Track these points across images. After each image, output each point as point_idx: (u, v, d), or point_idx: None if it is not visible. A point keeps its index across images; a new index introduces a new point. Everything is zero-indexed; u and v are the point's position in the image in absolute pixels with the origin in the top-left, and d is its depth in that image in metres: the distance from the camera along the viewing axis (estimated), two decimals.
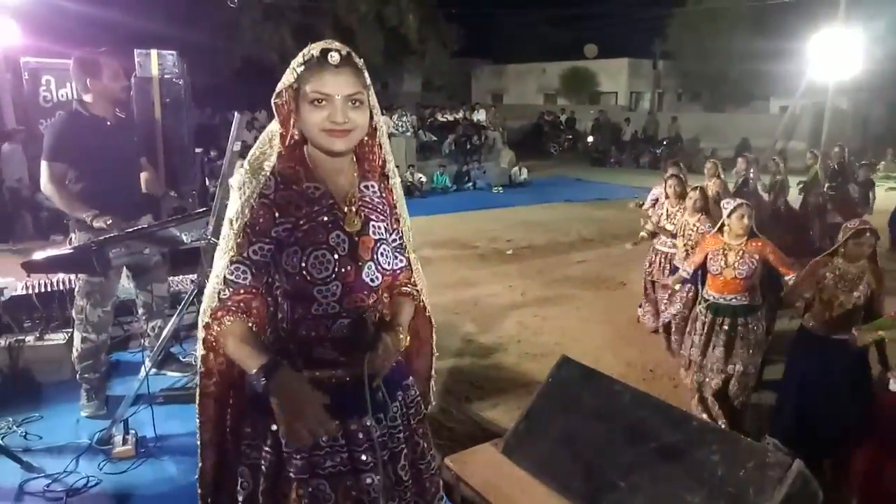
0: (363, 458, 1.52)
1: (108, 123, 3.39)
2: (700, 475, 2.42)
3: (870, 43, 15.62)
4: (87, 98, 3.35)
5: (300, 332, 1.49)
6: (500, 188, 14.21)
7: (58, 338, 3.99)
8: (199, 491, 1.66)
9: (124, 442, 3.12)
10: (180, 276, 4.66)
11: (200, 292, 3.40)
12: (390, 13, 18.17)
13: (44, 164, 3.25)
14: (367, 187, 1.58)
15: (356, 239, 1.49)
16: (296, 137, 1.50)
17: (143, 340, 3.92)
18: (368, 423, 1.52)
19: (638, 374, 4.42)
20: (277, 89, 1.44)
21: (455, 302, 5.96)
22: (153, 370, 3.53)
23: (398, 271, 1.60)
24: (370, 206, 1.56)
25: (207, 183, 9.30)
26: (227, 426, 1.64)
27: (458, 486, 2.83)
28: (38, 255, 3.23)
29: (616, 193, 12.46)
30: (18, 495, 2.82)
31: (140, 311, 3.89)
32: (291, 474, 1.48)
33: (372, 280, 1.51)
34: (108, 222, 3.14)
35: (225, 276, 1.46)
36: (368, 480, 1.52)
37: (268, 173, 1.47)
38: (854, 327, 2.94)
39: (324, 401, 1.39)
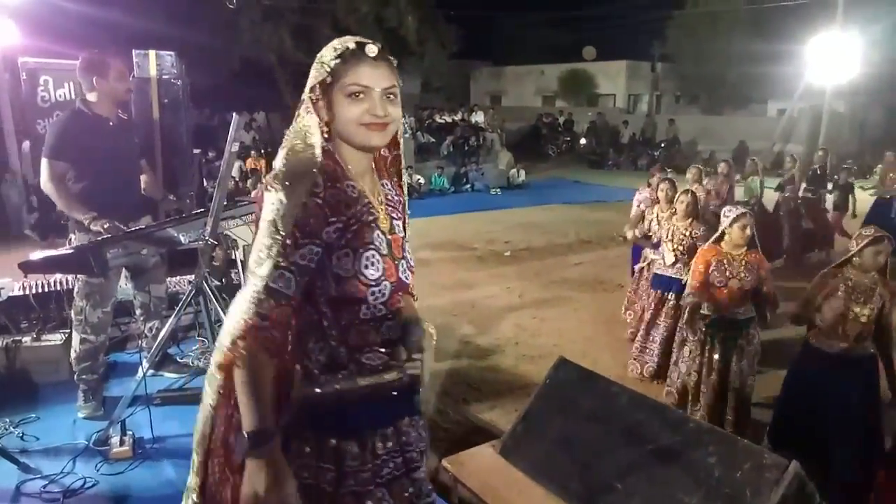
0: (413, 455, 1.53)
1: (111, 124, 3.40)
2: (697, 476, 2.43)
3: (867, 46, 15.68)
4: (91, 97, 3.35)
5: (351, 340, 1.43)
6: (499, 190, 14.23)
7: (55, 338, 3.99)
8: None
9: (121, 443, 3.12)
10: (178, 277, 4.65)
11: (198, 293, 3.41)
12: (389, 14, 18.17)
13: (44, 162, 3.25)
14: (384, 185, 1.57)
15: (389, 237, 1.48)
16: (326, 135, 1.44)
17: (140, 341, 3.93)
18: (421, 422, 1.56)
19: (635, 376, 4.42)
20: (310, 84, 1.39)
21: (453, 304, 5.97)
22: (150, 371, 3.53)
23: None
24: (391, 204, 1.55)
25: (205, 184, 9.28)
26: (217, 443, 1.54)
27: (455, 488, 2.83)
28: (36, 256, 3.22)
29: (614, 195, 12.48)
30: (15, 496, 2.82)
31: (138, 311, 3.89)
32: (354, 489, 1.45)
33: (406, 278, 1.51)
34: (106, 226, 3.14)
35: (268, 285, 1.31)
36: (419, 476, 1.54)
37: (315, 170, 1.35)
38: None
39: (292, 490, 1.36)
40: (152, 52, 4.52)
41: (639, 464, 2.58)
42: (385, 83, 1.38)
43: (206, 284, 3.40)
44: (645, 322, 4.48)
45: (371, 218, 1.44)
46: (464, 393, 4.17)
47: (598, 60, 27.55)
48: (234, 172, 11.35)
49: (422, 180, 13.45)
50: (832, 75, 15.76)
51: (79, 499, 2.82)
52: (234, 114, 3.17)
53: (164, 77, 4.55)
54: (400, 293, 1.49)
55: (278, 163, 1.38)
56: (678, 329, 4.01)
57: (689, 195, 4.35)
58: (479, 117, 18.11)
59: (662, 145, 18.95)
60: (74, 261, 3.02)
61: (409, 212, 1.69)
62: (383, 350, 1.47)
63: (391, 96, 1.40)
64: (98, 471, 3.00)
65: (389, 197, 1.56)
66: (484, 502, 2.69)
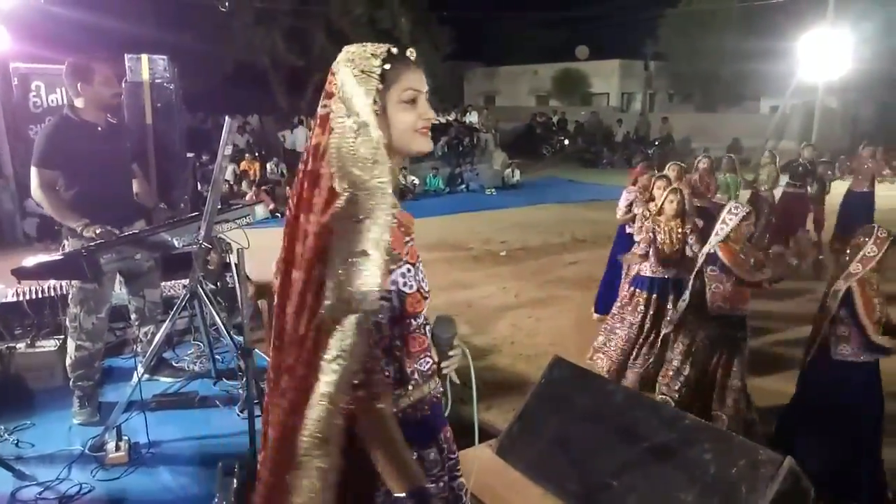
0: (454, 458, 1.56)
1: (100, 129, 3.37)
2: (693, 474, 2.44)
3: (858, 43, 15.80)
4: (79, 103, 3.33)
5: (412, 349, 1.41)
6: (493, 190, 14.23)
7: (49, 344, 3.97)
8: None
9: (117, 449, 3.11)
10: (173, 282, 4.64)
11: (192, 297, 3.40)
12: (383, 16, 18.18)
13: (34, 171, 3.23)
14: None
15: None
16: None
17: (135, 346, 3.91)
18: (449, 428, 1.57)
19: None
20: (365, 98, 1.25)
21: (448, 304, 5.96)
22: (146, 376, 3.52)
23: None
24: None
25: (200, 187, 9.27)
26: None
27: None
28: (29, 262, 3.21)
29: (608, 194, 12.43)
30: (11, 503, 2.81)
31: (132, 316, 3.88)
32: (442, 496, 1.48)
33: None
34: (98, 231, 3.13)
35: (370, 319, 1.23)
36: (460, 481, 1.55)
37: (387, 189, 1.26)
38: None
39: None
40: (144, 57, 4.52)
41: (635, 462, 2.59)
42: (426, 86, 1.36)
43: (200, 288, 3.39)
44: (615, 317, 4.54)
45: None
46: (460, 393, 4.15)
47: (591, 60, 27.63)
48: (228, 175, 11.32)
49: (416, 181, 13.45)
50: (824, 72, 15.86)
51: None
52: (227, 117, 3.17)
53: (156, 81, 4.55)
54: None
55: (341, 187, 1.23)
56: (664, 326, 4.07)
57: (678, 194, 4.29)
58: (473, 118, 18.13)
59: (656, 143, 18.99)
60: (68, 266, 3.02)
61: None
62: (430, 354, 1.48)
63: (429, 99, 1.39)
64: (94, 477, 2.99)
65: None
66: (481, 502, 2.69)
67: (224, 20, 15.43)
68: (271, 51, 17.63)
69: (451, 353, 1.50)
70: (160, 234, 3.24)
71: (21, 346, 3.93)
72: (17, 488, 2.88)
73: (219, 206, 3.32)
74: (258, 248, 3.15)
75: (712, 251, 3.53)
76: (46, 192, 3.24)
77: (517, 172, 14.97)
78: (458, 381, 1.56)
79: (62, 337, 3.95)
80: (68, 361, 3.49)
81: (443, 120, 17.62)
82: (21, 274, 3.02)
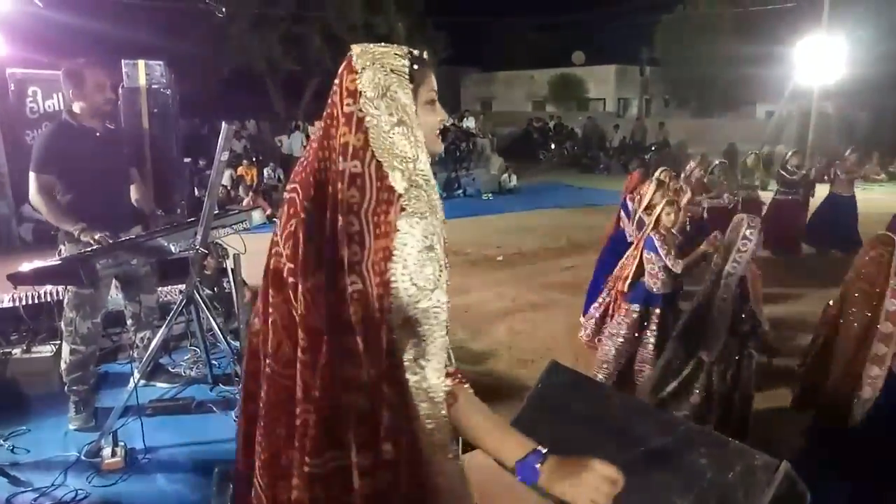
0: None
1: (98, 134, 3.38)
2: (689, 479, 2.43)
3: (853, 48, 15.89)
4: (76, 109, 3.34)
5: None
6: (490, 195, 14.25)
7: (45, 350, 3.97)
8: None
9: (113, 454, 3.10)
10: (169, 287, 4.64)
11: (189, 302, 3.40)
12: (379, 22, 18.24)
13: (32, 176, 3.24)
14: None
15: None
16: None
17: (131, 351, 3.91)
18: None
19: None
20: (403, 98, 1.24)
21: None
22: (142, 381, 3.51)
23: None
24: None
25: (197, 193, 9.28)
26: None
27: None
28: (25, 267, 3.21)
29: (605, 199, 12.52)
30: None
31: (129, 321, 3.88)
32: None
33: None
34: (96, 237, 3.13)
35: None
36: None
37: (433, 184, 1.29)
38: None
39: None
40: (141, 62, 4.53)
41: (631, 466, 2.58)
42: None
43: (197, 294, 3.39)
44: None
45: None
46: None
47: (588, 65, 27.78)
48: (225, 181, 11.31)
49: None
50: (819, 77, 15.93)
51: None
52: (223, 123, 3.18)
53: (153, 87, 4.56)
54: None
55: (401, 186, 1.20)
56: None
57: (674, 206, 4.19)
58: (469, 123, 18.15)
59: (653, 148, 19.04)
60: (64, 272, 3.01)
61: None
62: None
63: None
64: (90, 483, 2.98)
65: None
66: None
67: (221, 25, 15.44)
68: (268, 56, 17.67)
69: None
70: (157, 239, 3.25)
71: (17, 351, 3.93)
72: (12, 494, 2.87)
73: (215, 212, 3.32)
74: (255, 254, 3.15)
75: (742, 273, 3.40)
76: (44, 197, 3.24)
77: (514, 177, 15.00)
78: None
79: (58, 342, 3.94)
80: (63, 366, 3.48)
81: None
82: (17, 279, 3.01)
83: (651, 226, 4.17)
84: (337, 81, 1.24)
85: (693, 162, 7.27)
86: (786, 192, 8.18)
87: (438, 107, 1.33)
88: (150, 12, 14.12)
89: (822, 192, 8.75)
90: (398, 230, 1.18)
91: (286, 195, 1.26)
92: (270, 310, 1.24)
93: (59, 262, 3.12)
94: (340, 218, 1.16)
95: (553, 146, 20.84)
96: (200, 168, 11.07)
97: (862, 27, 16.47)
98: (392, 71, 1.23)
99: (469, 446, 1.69)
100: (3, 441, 3.32)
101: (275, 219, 1.37)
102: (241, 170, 12.62)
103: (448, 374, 1.35)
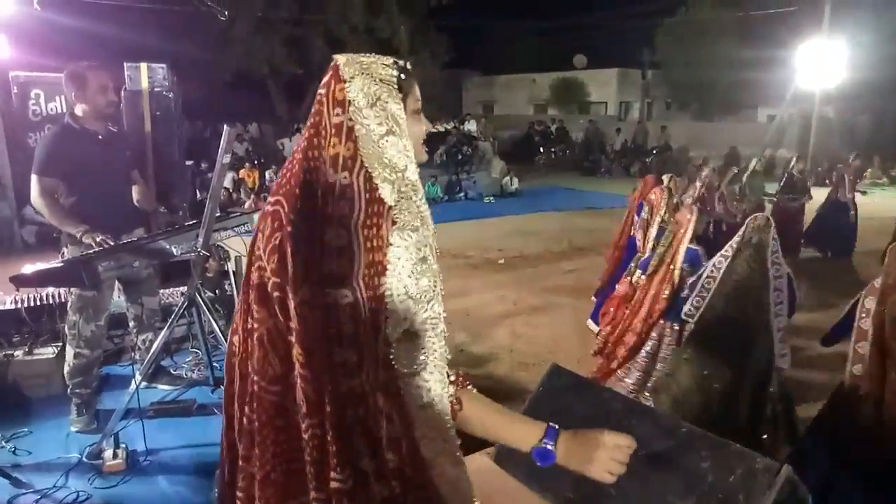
0: None
1: (100, 137, 3.39)
2: (690, 482, 2.43)
3: (854, 52, 15.89)
4: (79, 111, 3.35)
5: None
6: (492, 198, 14.26)
7: (47, 352, 3.97)
8: None
9: (115, 456, 3.11)
10: (171, 289, 4.64)
11: (191, 305, 3.41)
12: (381, 25, 18.27)
13: (34, 179, 3.24)
14: None
15: None
16: None
17: (133, 353, 3.91)
18: None
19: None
20: (399, 105, 1.24)
21: (447, 312, 5.95)
22: (144, 384, 3.52)
23: None
24: None
25: (199, 195, 9.29)
26: None
27: None
28: (27, 269, 3.22)
29: (606, 202, 12.53)
30: None
31: (131, 324, 3.88)
32: None
33: None
34: (98, 239, 3.13)
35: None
36: None
37: (422, 193, 1.30)
38: None
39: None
40: (143, 65, 4.53)
41: (632, 470, 2.59)
42: None
43: (199, 296, 3.39)
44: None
45: None
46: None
47: (589, 69, 27.82)
48: (228, 183, 11.34)
49: None
50: (820, 81, 15.94)
51: None
52: (225, 126, 3.18)
53: (155, 89, 4.56)
54: None
55: (391, 198, 1.19)
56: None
57: (701, 214, 4.18)
58: (471, 126, 18.18)
59: (654, 152, 19.05)
60: (66, 274, 3.02)
61: None
62: None
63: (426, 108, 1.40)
64: (91, 484, 2.98)
65: None
66: None
67: (223, 28, 15.48)
68: (270, 59, 17.69)
69: None
70: (159, 241, 3.25)
71: (19, 353, 3.93)
72: (14, 496, 2.87)
73: (217, 214, 3.32)
74: None
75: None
76: (46, 199, 3.25)
77: (515, 180, 15.01)
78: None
79: (60, 344, 3.95)
80: (66, 369, 3.49)
81: (441, 128, 17.68)
82: (19, 281, 3.02)
83: (683, 237, 4.07)
84: (323, 91, 1.21)
85: (706, 168, 7.18)
86: (788, 197, 8.20)
87: (423, 116, 1.34)
88: (153, 15, 14.15)
89: (818, 195, 8.79)
90: (391, 244, 1.17)
91: (268, 207, 1.22)
92: (255, 325, 1.19)
93: (61, 264, 3.13)
94: (329, 230, 1.13)
95: (553, 150, 20.84)
96: (202, 171, 11.10)
97: (863, 31, 16.48)
98: (381, 80, 1.22)
99: (469, 448, 1.69)
100: (5, 443, 3.33)
101: None
102: (242, 173, 12.65)
103: (451, 382, 1.38)
